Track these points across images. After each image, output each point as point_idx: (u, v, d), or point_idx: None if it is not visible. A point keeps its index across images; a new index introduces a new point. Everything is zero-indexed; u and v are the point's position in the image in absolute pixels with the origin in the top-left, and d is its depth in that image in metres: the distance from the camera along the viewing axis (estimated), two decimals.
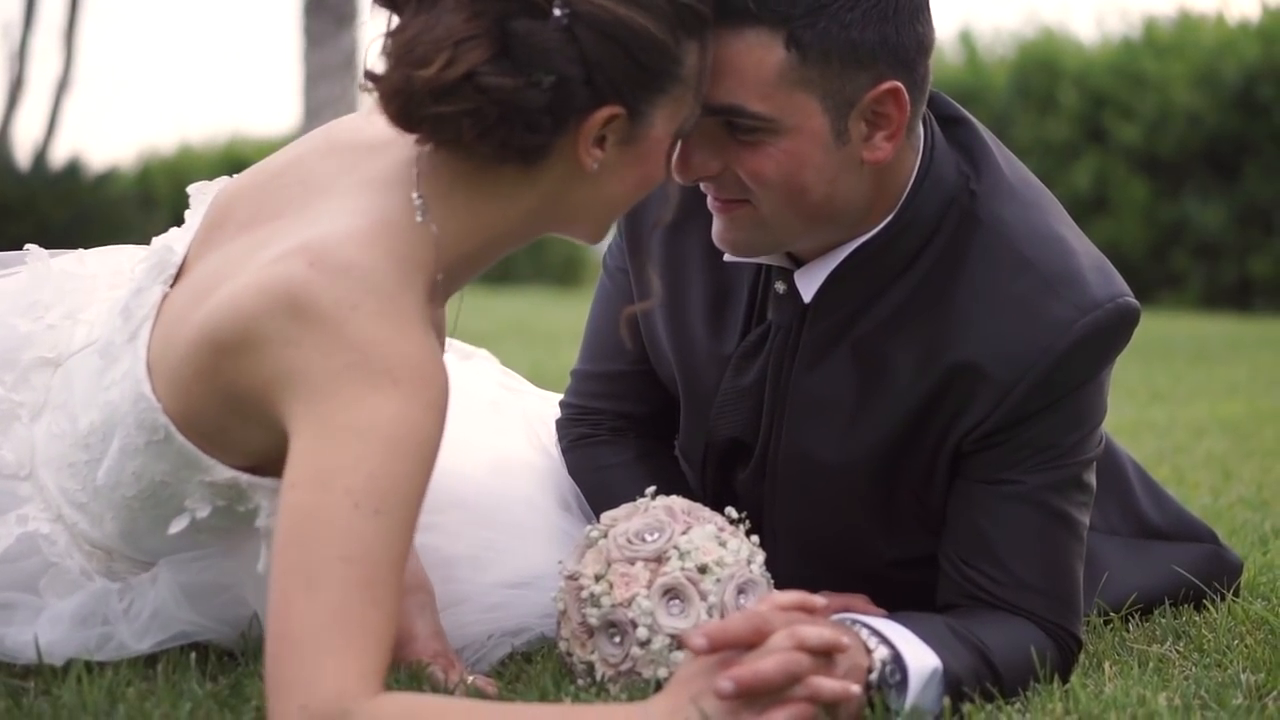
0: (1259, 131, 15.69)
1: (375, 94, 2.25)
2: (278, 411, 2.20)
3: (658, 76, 2.27)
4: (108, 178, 21.43)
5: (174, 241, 2.47)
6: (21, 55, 24.44)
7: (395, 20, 2.24)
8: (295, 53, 15.59)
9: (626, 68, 2.23)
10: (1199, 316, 14.59)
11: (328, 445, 2.13)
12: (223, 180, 2.56)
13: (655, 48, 2.25)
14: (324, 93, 14.49)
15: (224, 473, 2.38)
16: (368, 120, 2.32)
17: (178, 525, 2.43)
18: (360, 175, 2.34)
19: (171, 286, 2.40)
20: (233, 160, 23.70)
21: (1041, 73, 17.32)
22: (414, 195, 2.29)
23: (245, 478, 2.38)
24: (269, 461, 2.30)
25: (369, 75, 2.25)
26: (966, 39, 18.59)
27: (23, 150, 22.71)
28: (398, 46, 2.21)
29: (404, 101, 2.21)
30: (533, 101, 2.20)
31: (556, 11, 2.18)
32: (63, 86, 24.39)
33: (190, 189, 2.57)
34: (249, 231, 2.36)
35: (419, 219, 2.28)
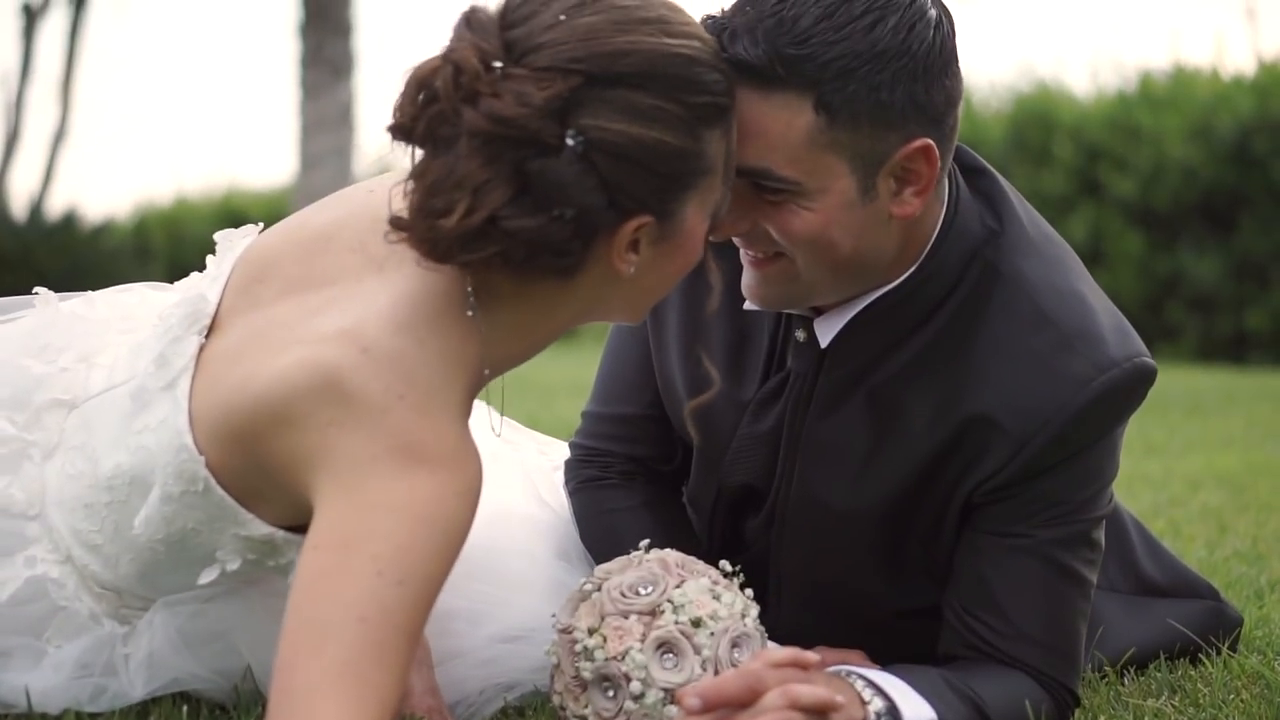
0: (1254, 185, 15.70)
1: (405, 240, 2.24)
2: (306, 487, 2.21)
3: (682, 179, 2.27)
4: (104, 229, 21.45)
5: (206, 290, 2.47)
6: (18, 106, 24.48)
7: (416, 153, 2.23)
8: (292, 104, 15.61)
9: (648, 183, 2.24)
10: (1195, 369, 14.58)
11: (357, 515, 2.14)
12: (249, 229, 2.56)
13: (675, 156, 2.25)
14: (320, 144, 14.51)
15: (261, 528, 2.39)
16: None
17: (207, 576, 2.45)
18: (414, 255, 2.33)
19: (206, 336, 2.41)
20: (229, 212, 23.68)
21: (1037, 126, 17.34)
22: (468, 291, 2.29)
23: (281, 534, 2.39)
24: (301, 522, 2.30)
25: (395, 223, 2.24)
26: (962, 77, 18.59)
27: (19, 201, 22.75)
28: (418, 193, 2.21)
29: (431, 248, 2.22)
30: (558, 234, 2.20)
31: (570, 142, 2.18)
32: (59, 138, 24.44)
33: (217, 236, 2.56)
34: (299, 294, 2.36)
35: (470, 314, 2.29)
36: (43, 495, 2.54)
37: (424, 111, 2.20)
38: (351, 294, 2.31)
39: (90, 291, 2.77)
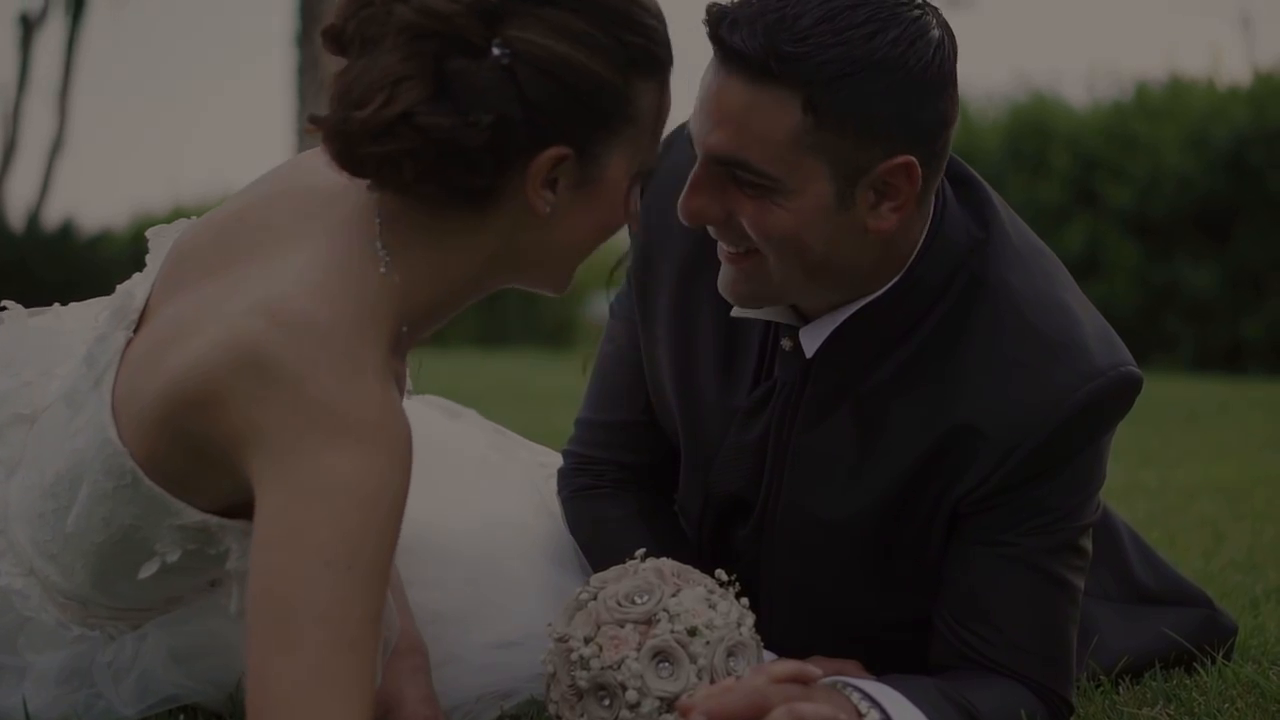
0: (1249, 195, 15.72)
1: (319, 135, 2.24)
2: (243, 466, 2.19)
3: (605, 117, 2.26)
4: (101, 239, 21.47)
5: (134, 287, 2.46)
6: (15, 117, 24.51)
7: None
8: (289, 114, 15.61)
9: (569, 107, 2.22)
10: (1190, 379, 14.58)
11: (295, 505, 2.12)
12: (181, 223, 2.55)
13: (600, 87, 2.23)
14: None
15: (194, 516, 2.37)
16: (326, 165, 2.30)
17: (148, 570, 2.42)
18: (322, 222, 2.33)
19: (135, 332, 2.40)
20: None
21: (1033, 135, 17.35)
22: (377, 245, 2.29)
23: (215, 520, 2.37)
24: (237, 505, 2.30)
25: (311, 118, 2.24)
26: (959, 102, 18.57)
27: (16, 212, 22.77)
28: (339, 88, 2.21)
29: (343, 142, 2.21)
30: (471, 141, 2.18)
31: (495, 50, 2.17)
32: (56, 148, 24.46)
33: (149, 233, 2.56)
34: (212, 278, 2.35)
35: (382, 270, 2.28)
36: (5, 511, 2.53)
37: (358, 13, 2.21)
38: (261, 269, 2.29)
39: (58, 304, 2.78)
